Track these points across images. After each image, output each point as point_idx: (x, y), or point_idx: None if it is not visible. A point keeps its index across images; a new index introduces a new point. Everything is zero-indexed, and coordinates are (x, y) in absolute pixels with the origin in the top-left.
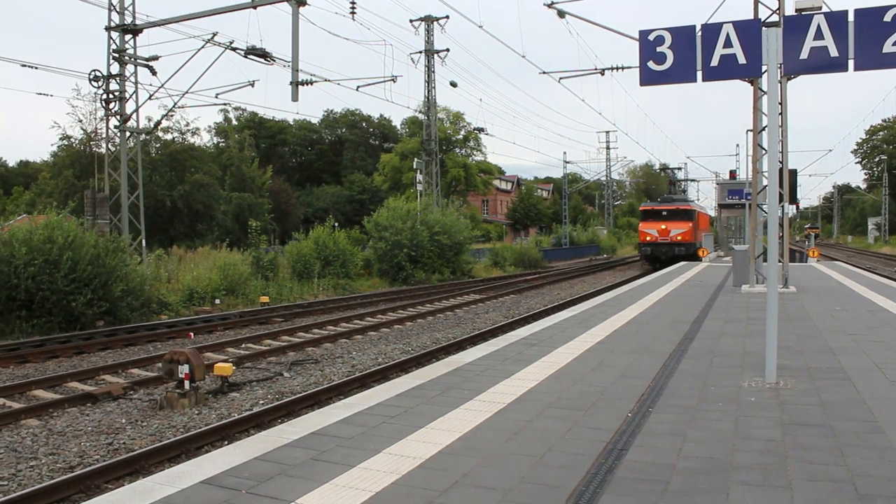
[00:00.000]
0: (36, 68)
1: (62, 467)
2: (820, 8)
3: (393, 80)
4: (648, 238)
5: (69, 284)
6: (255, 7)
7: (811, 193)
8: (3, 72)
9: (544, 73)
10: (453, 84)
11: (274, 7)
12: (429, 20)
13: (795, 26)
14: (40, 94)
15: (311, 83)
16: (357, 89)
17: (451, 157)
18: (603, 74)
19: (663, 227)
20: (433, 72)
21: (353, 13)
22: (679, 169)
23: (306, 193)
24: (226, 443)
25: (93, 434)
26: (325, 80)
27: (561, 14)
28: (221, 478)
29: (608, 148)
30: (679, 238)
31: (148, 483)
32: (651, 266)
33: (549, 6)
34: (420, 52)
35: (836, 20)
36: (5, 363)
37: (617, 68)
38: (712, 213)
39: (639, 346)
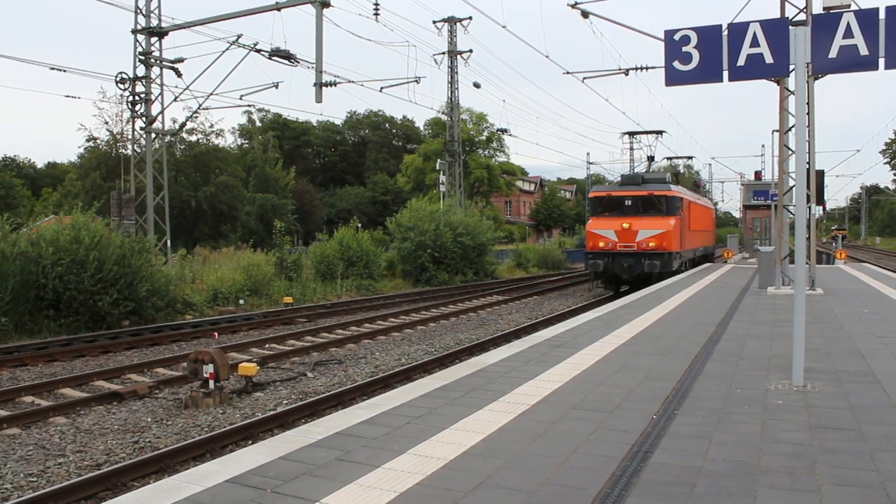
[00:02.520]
0: (64, 71)
1: (89, 465)
2: (849, 6)
3: (416, 81)
4: (601, 244)
5: (95, 284)
6: (279, 9)
7: (838, 194)
8: (32, 75)
9: (568, 73)
10: (476, 85)
11: (298, 9)
12: (452, 21)
13: (824, 25)
14: (68, 96)
15: (335, 84)
16: (380, 90)
17: (474, 158)
18: (627, 74)
19: (625, 225)
20: (456, 73)
21: (376, 14)
22: (660, 132)
23: (329, 194)
24: (250, 442)
25: (119, 432)
26: (349, 82)
27: (585, 14)
28: (247, 477)
29: (631, 149)
30: (651, 245)
31: (174, 481)
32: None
33: (573, 6)
34: (443, 52)
35: (866, 18)
36: (34, 362)
37: (641, 68)
38: (735, 212)
39: (664, 348)
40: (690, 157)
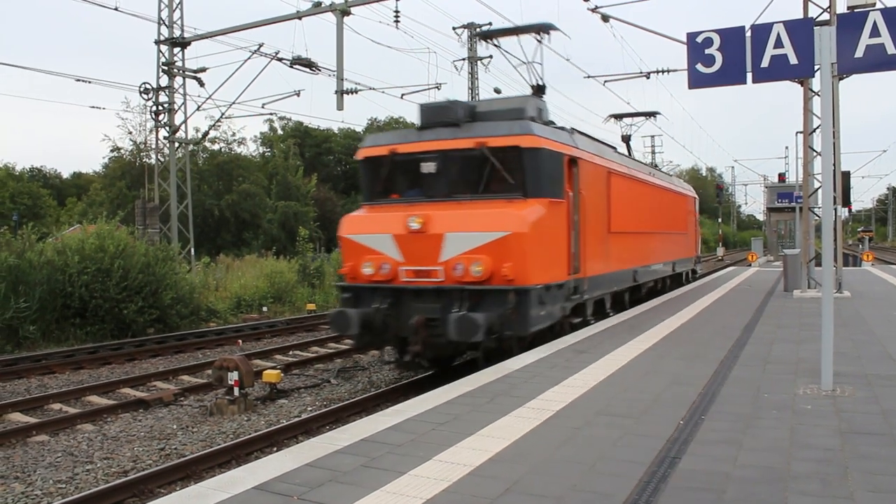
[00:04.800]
0: (89, 82)
1: (116, 471)
2: (874, 4)
3: (437, 87)
4: (367, 269)
5: (121, 292)
6: (300, 18)
7: (864, 196)
8: (59, 86)
9: (589, 76)
10: (497, 91)
11: (319, 17)
12: (472, 27)
13: (849, 24)
14: (94, 107)
15: (356, 92)
16: (401, 97)
17: None
18: (648, 78)
19: (415, 223)
20: (477, 79)
21: (396, 22)
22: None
23: (351, 201)
24: (275, 449)
25: (145, 439)
26: (370, 89)
27: (605, 18)
28: (273, 484)
29: (653, 152)
30: (477, 270)
31: (200, 488)
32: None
33: (594, 10)
34: (463, 59)
35: (894, 16)
36: (61, 369)
37: (662, 71)
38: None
39: (689, 353)
40: (654, 114)
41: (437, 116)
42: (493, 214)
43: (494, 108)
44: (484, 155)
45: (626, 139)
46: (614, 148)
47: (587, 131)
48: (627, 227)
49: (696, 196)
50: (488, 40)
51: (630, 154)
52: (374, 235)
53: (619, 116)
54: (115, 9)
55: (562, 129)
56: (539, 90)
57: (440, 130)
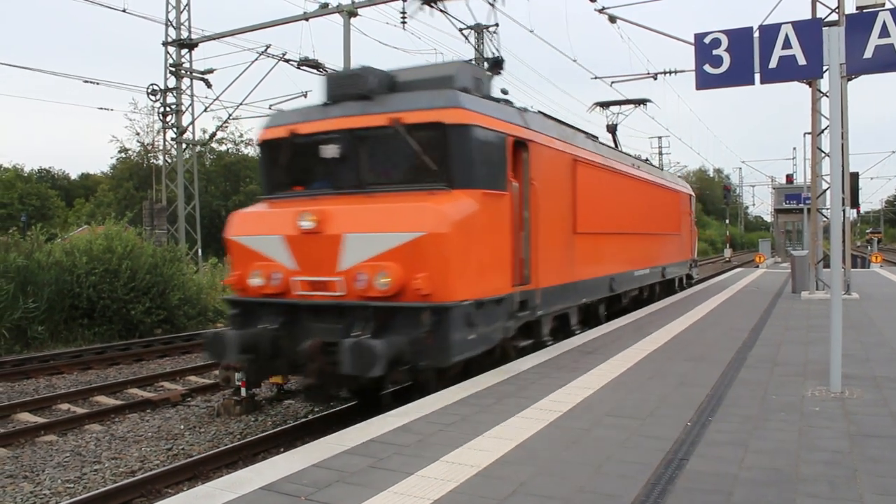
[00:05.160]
0: (97, 84)
1: (124, 471)
2: (883, 5)
3: None
4: (257, 279)
5: (128, 293)
6: (307, 19)
7: (873, 197)
8: (67, 88)
9: (596, 77)
10: (504, 92)
11: (326, 19)
12: (479, 28)
13: (858, 24)
14: (102, 108)
15: None
16: None
17: None
18: (656, 79)
19: (307, 222)
20: None
21: (403, 23)
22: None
23: None
24: (282, 449)
25: (153, 439)
26: None
27: (612, 19)
28: (281, 484)
29: (661, 154)
30: (382, 281)
31: (208, 488)
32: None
33: (601, 11)
34: (470, 60)
35: None
36: (69, 370)
37: (670, 72)
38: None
39: (696, 354)
40: (643, 102)
41: (345, 87)
42: (404, 210)
43: (419, 76)
44: (398, 134)
45: (612, 129)
46: (595, 137)
47: (596, 132)
48: (601, 227)
49: (692, 193)
50: (433, 5)
51: (617, 146)
52: (263, 237)
53: (605, 104)
54: (124, 10)
55: (512, 105)
56: (496, 64)
57: (348, 105)
